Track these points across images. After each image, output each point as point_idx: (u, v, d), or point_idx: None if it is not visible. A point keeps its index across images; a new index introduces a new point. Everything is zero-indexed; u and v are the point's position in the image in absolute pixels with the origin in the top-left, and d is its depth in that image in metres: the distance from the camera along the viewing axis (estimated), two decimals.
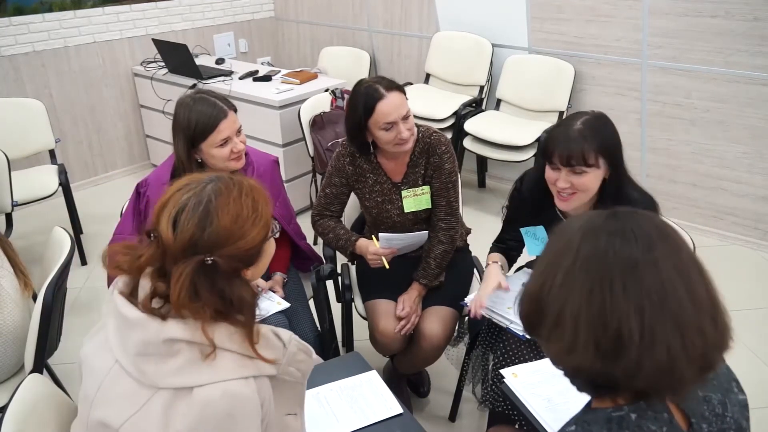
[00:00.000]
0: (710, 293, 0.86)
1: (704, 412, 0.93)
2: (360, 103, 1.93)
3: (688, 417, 0.92)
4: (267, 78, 3.86)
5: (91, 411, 1.10)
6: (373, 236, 2.09)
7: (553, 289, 0.88)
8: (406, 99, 1.97)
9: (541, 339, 0.93)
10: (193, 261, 1.03)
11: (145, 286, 1.08)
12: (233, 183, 1.11)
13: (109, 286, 1.97)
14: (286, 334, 1.14)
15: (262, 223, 1.11)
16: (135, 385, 1.05)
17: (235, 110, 1.95)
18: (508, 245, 2.02)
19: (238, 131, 1.94)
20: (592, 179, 1.67)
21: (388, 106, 1.90)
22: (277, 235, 1.22)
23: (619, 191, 1.70)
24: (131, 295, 1.09)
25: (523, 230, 1.90)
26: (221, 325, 1.06)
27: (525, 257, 2.05)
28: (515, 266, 2.12)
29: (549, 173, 1.71)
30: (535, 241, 1.88)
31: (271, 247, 1.20)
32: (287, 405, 1.18)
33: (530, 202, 1.87)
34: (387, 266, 2.01)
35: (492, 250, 2.05)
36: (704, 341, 0.82)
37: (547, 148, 1.70)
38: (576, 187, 1.68)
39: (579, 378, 0.91)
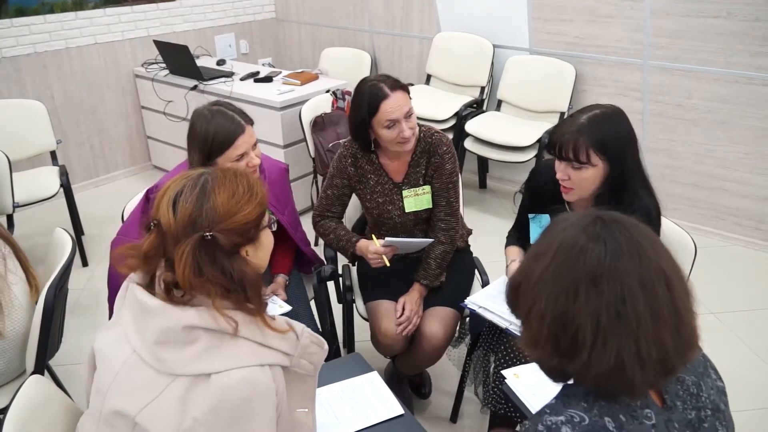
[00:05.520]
0: (676, 305, 0.90)
1: (678, 391, 0.99)
2: (364, 101, 1.93)
3: (662, 395, 0.97)
4: (268, 79, 3.86)
5: (105, 401, 1.12)
6: (372, 236, 2.09)
7: (528, 286, 0.95)
8: (410, 98, 1.97)
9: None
10: (194, 238, 1.08)
11: (160, 277, 1.12)
12: (228, 171, 1.18)
13: (109, 285, 1.96)
14: (299, 326, 1.17)
15: (258, 200, 1.16)
16: (153, 373, 1.07)
17: (252, 123, 1.92)
18: (523, 234, 1.99)
19: (254, 145, 1.91)
20: (588, 176, 1.66)
21: (391, 105, 1.90)
22: (274, 228, 1.25)
23: (622, 189, 1.68)
24: (149, 286, 1.13)
25: (530, 216, 1.91)
26: (236, 313, 1.09)
27: None
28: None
29: (556, 162, 1.72)
30: (538, 229, 1.88)
31: (268, 239, 1.22)
32: (298, 399, 1.20)
33: (544, 189, 1.85)
34: (388, 264, 2.00)
35: (509, 242, 2.04)
36: (662, 350, 0.88)
37: (550, 136, 1.73)
38: (573, 182, 1.68)
39: (542, 369, 0.99)
